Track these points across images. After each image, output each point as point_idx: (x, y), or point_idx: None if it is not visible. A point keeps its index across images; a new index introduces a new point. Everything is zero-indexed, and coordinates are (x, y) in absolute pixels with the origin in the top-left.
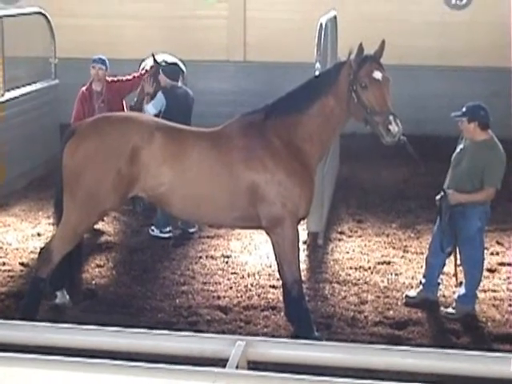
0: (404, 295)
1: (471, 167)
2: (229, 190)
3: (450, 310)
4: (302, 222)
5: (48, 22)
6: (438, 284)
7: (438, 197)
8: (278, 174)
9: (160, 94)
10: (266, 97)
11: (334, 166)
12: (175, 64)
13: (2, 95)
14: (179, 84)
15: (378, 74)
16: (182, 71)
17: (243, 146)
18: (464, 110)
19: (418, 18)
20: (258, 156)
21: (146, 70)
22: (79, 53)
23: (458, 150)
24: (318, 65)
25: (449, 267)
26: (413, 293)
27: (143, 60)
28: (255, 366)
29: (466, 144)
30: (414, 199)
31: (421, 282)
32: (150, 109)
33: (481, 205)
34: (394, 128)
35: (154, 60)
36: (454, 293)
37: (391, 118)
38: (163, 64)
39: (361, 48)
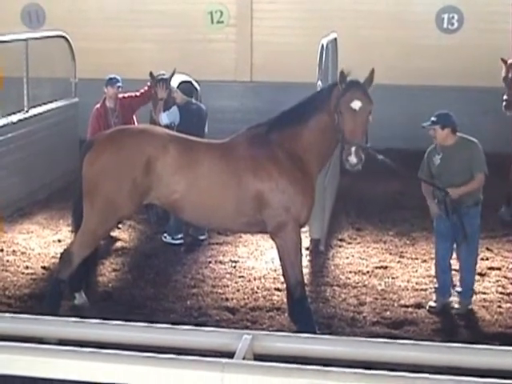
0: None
1: (460, 165)
2: (236, 197)
3: (456, 305)
4: (304, 229)
5: (69, 44)
6: (454, 286)
7: (439, 198)
8: (281, 183)
9: (175, 108)
10: (270, 114)
11: (335, 178)
12: (189, 82)
13: (27, 112)
14: (193, 100)
15: (356, 104)
16: (196, 89)
17: (249, 157)
18: (435, 119)
19: (412, 41)
20: (263, 166)
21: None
22: (97, 74)
23: (437, 161)
24: (319, 83)
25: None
26: (433, 303)
27: (158, 75)
28: (261, 358)
29: (446, 152)
30: (408, 209)
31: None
32: (164, 118)
33: (480, 204)
34: (352, 159)
35: (152, 76)
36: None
37: (353, 149)
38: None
39: (343, 74)
